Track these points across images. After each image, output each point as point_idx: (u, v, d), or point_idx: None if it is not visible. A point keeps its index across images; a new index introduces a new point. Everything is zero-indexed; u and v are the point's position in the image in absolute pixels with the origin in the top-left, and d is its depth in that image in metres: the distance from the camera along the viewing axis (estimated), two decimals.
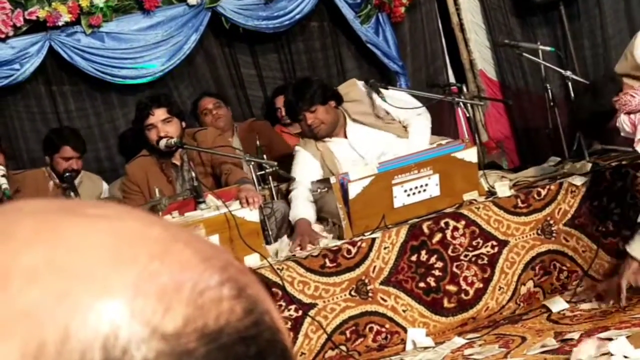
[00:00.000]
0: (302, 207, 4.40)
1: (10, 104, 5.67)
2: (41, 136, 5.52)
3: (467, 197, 4.33)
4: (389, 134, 4.72)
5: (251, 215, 4.03)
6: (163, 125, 4.46)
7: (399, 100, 4.78)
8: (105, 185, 5.30)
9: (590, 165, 4.50)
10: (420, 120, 4.70)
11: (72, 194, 4.70)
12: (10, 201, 3.79)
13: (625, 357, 3.15)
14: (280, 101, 5.90)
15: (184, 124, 4.63)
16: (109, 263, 0.41)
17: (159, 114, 4.46)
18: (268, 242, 4.16)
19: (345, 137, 4.72)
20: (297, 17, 6.05)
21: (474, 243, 4.19)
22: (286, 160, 4.83)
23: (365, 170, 4.20)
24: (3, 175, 4.28)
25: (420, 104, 4.80)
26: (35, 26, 5.48)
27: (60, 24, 5.47)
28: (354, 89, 4.86)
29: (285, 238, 4.30)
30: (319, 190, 4.39)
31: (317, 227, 4.36)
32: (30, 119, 5.71)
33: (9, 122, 5.66)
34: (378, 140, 4.69)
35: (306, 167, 4.61)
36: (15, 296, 0.39)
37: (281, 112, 5.90)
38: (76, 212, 0.44)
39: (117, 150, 5.77)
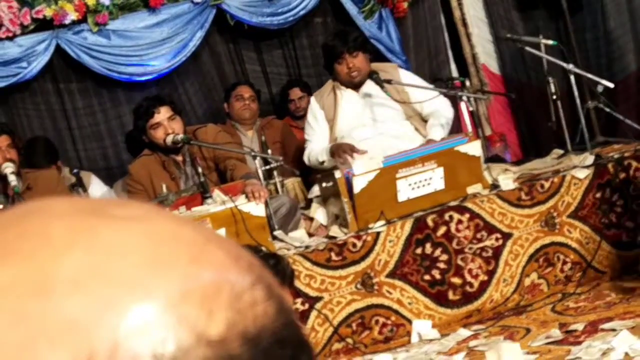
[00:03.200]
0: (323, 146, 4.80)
1: (18, 102, 5.72)
2: (49, 133, 5.58)
3: (471, 190, 4.36)
4: (399, 112, 4.86)
5: (257, 209, 4.08)
6: (169, 123, 4.50)
7: (440, 101, 4.92)
8: (98, 183, 5.31)
9: (593, 157, 4.53)
10: (444, 128, 4.80)
11: (80, 190, 4.74)
12: (19, 198, 3.80)
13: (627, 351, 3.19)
14: (294, 93, 5.97)
15: None
16: (149, 267, 0.40)
17: (164, 112, 4.51)
18: (274, 237, 4.20)
19: (357, 91, 4.91)
20: (301, 13, 6.09)
21: (478, 236, 4.23)
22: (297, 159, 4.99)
23: (370, 164, 4.24)
24: (13, 172, 4.31)
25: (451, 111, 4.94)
26: (42, 25, 5.53)
27: (67, 22, 5.52)
28: (393, 69, 5.04)
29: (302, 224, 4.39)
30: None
31: (320, 214, 4.44)
32: (38, 116, 5.76)
33: (17, 119, 5.71)
34: (386, 108, 4.84)
35: (317, 125, 4.93)
36: (61, 304, 0.38)
37: (295, 104, 5.97)
38: (105, 213, 0.42)
39: (124, 147, 5.81)
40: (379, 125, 4.82)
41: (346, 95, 4.91)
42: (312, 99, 5.06)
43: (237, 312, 0.40)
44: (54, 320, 0.37)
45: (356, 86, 4.90)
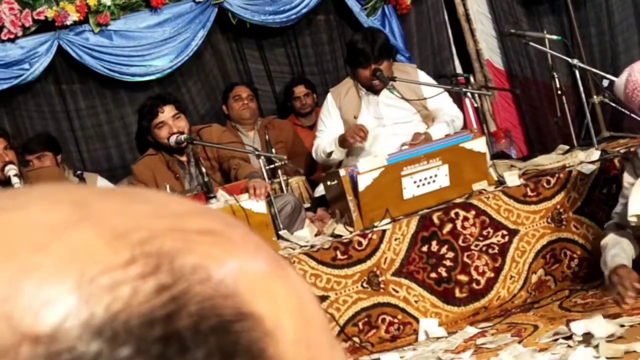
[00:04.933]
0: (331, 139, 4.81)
1: (20, 104, 5.71)
2: (51, 135, 5.57)
3: (476, 187, 4.34)
4: (416, 114, 4.89)
5: (259, 206, 4.06)
6: (174, 122, 4.49)
7: (444, 99, 4.94)
8: (102, 182, 5.29)
9: (599, 152, 4.50)
10: (450, 127, 4.78)
11: None
12: None
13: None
14: (299, 90, 5.95)
15: None
16: None
17: (168, 111, 4.49)
18: (279, 237, 4.18)
19: (378, 95, 4.91)
20: (304, 11, 6.07)
21: (484, 233, 4.21)
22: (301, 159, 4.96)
23: (374, 162, 4.22)
24: (16, 175, 4.30)
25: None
26: (44, 26, 5.52)
27: (68, 23, 5.52)
28: (413, 70, 5.05)
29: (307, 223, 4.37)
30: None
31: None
32: (40, 117, 5.75)
33: (20, 121, 5.71)
34: (405, 115, 4.85)
35: (330, 122, 4.93)
36: None
37: (300, 102, 5.96)
38: None
39: (127, 147, 5.79)
40: (396, 127, 4.81)
41: (368, 98, 4.90)
42: (329, 95, 5.02)
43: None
44: None
45: (379, 89, 4.88)
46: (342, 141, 4.70)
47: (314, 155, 4.98)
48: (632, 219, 3.52)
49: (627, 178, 3.76)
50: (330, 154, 4.76)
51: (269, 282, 0.40)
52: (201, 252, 0.38)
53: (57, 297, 0.36)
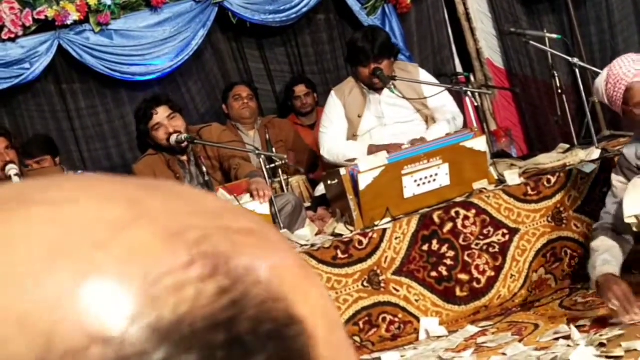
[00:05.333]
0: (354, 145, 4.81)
1: (21, 103, 5.72)
2: (52, 134, 5.57)
3: (477, 186, 4.34)
4: (418, 113, 4.90)
5: (261, 207, 4.06)
6: (170, 122, 4.49)
7: (445, 98, 4.93)
8: None
9: (599, 151, 4.50)
10: (450, 125, 4.78)
11: None
12: None
13: None
14: (300, 90, 5.95)
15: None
16: (44, 260, 0.35)
17: (162, 112, 4.49)
18: None
19: (381, 94, 4.90)
20: (304, 10, 6.07)
21: (484, 232, 4.21)
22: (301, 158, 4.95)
23: (375, 161, 4.22)
24: (17, 174, 4.31)
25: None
26: (45, 25, 5.52)
27: (69, 22, 5.52)
28: (414, 69, 5.04)
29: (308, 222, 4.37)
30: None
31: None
32: (41, 117, 5.75)
33: (20, 120, 5.71)
34: (406, 114, 4.85)
35: (336, 120, 4.91)
36: None
37: (301, 101, 5.95)
38: (28, 199, 0.38)
39: (128, 147, 5.80)
40: (397, 126, 4.81)
41: (371, 97, 4.90)
42: (333, 93, 5.00)
43: (149, 301, 0.35)
44: None
45: (380, 88, 4.88)
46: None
47: (326, 155, 4.91)
48: (630, 221, 3.52)
49: (615, 177, 3.78)
50: (353, 160, 4.68)
51: (304, 282, 0.40)
52: (249, 253, 0.38)
53: (123, 298, 0.35)
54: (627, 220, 3.52)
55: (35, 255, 0.35)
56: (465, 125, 5.04)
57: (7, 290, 0.35)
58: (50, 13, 5.45)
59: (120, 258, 0.36)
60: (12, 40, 5.45)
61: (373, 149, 4.68)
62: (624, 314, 3.40)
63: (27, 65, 5.50)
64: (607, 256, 3.57)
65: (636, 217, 3.51)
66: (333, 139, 4.88)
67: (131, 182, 0.41)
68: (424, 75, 5.03)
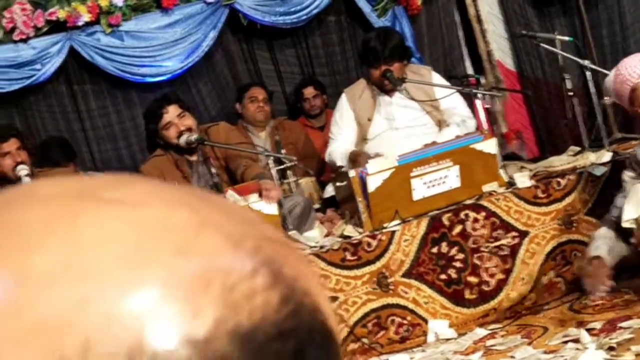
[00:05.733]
0: (344, 150, 4.81)
1: (32, 104, 5.73)
2: (63, 135, 5.58)
3: (486, 188, 4.33)
4: (429, 117, 4.89)
5: (269, 208, 4.06)
6: (180, 120, 4.48)
7: (455, 100, 4.92)
8: None
9: (610, 154, 4.48)
10: (461, 128, 4.77)
11: None
12: None
13: None
14: (309, 92, 5.95)
15: None
16: (129, 262, 0.36)
17: (172, 111, 4.48)
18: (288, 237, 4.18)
19: (392, 96, 4.90)
20: (314, 11, 6.07)
21: (494, 234, 4.20)
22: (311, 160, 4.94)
23: (384, 163, 4.21)
24: (27, 175, 4.32)
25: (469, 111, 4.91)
26: (56, 26, 5.53)
27: (80, 23, 5.53)
28: (426, 71, 5.04)
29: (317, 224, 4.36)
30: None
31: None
32: (52, 118, 5.77)
33: (32, 121, 5.73)
34: (417, 116, 4.86)
35: (344, 124, 4.91)
36: (31, 304, 0.35)
37: (309, 103, 5.95)
38: (93, 196, 0.39)
39: (138, 148, 5.80)
40: (408, 130, 4.80)
41: (382, 99, 4.89)
42: (344, 95, 4.99)
43: (229, 306, 0.36)
44: (23, 322, 0.35)
45: (391, 90, 4.87)
46: (353, 162, 4.63)
47: (326, 158, 4.98)
48: (627, 225, 3.54)
49: (626, 173, 3.82)
50: (341, 167, 4.73)
51: (325, 293, 0.41)
52: (291, 263, 0.39)
53: (207, 302, 0.36)
54: (624, 225, 3.55)
55: (119, 258, 0.36)
56: (476, 127, 5.02)
57: (93, 291, 0.35)
58: (61, 14, 5.46)
59: (200, 263, 0.37)
60: (24, 41, 5.47)
61: (351, 154, 4.70)
62: (592, 289, 3.58)
63: (38, 66, 5.51)
64: (599, 243, 3.65)
65: (636, 220, 3.53)
66: (336, 146, 4.87)
67: (180, 188, 0.42)
68: (437, 78, 5.02)
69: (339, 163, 4.77)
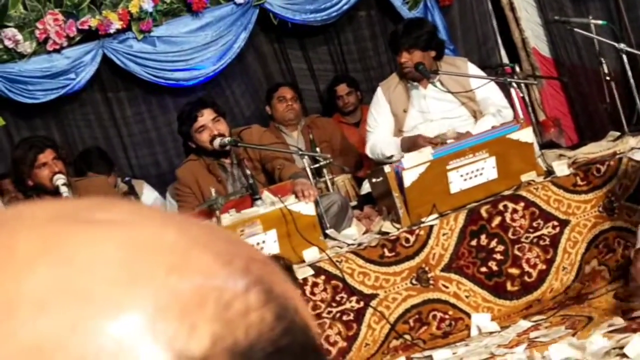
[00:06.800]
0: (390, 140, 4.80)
1: (68, 113, 5.78)
2: (99, 143, 5.63)
3: (524, 178, 4.27)
4: (464, 108, 4.85)
5: (307, 208, 4.04)
6: (214, 125, 4.48)
7: (491, 90, 4.87)
8: (150, 191, 5.33)
9: None
10: (497, 118, 4.72)
11: (132, 197, 4.76)
12: None
13: None
14: (342, 89, 5.93)
15: None
16: (122, 282, 0.36)
17: (207, 115, 4.48)
18: (326, 236, 4.16)
19: (426, 88, 4.87)
20: (345, 7, 6.05)
21: (534, 224, 4.14)
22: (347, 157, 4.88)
23: (419, 157, 4.18)
24: (64, 184, 4.35)
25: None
26: (88, 35, 5.58)
27: (111, 31, 5.57)
28: (462, 63, 5.01)
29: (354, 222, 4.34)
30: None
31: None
32: (87, 126, 5.82)
33: (68, 130, 5.78)
34: (451, 108, 4.82)
35: (380, 117, 4.90)
36: (25, 328, 0.35)
37: (343, 100, 5.93)
38: (83, 218, 0.39)
39: (174, 153, 5.82)
40: (444, 121, 4.76)
41: (415, 92, 4.86)
42: (379, 89, 4.98)
43: (225, 324, 0.36)
44: (17, 346, 0.34)
45: (424, 81, 4.83)
46: (409, 149, 4.59)
47: (369, 153, 4.93)
48: None
49: None
50: (391, 157, 4.71)
51: (309, 312, 0.41)
52: (279, 282, 0.39)
53: (202, 320, 0.36)
54: None
55: (112, 279, 0.36)
56: (513, 117, 4.96)
57: (87, 313, 0.35)
58: (93, 23, 5.50)
59: (194, 282, 0.37)
60: (57, 51, 5.52)
61: (405, 141, 4.65)
62: None
63: (72, 76, 5.56)
64: None
65: None
66: (377, 138, 4.86)
67: (160, 210, 0.43)
68: (473, 69, 4.97)
69: (388, 153, 4.72)
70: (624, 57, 4.78)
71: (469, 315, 4.02)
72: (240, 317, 0.37)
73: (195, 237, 0.39)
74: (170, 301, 0.36)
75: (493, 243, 4.09)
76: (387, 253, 3.96)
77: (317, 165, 4.66)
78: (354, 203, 4.76)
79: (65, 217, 0.39)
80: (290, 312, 0.38)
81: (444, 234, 4.04)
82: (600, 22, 5.16)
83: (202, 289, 0.37)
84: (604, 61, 5.01)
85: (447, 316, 4.00)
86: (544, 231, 4.15)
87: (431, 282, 4.00)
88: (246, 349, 0.36)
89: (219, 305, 0.36)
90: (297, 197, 4.06)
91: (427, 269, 4.00)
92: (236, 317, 0.36)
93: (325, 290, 3.84)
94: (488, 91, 4.84)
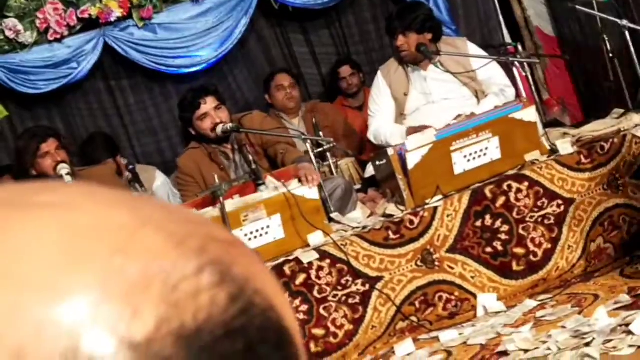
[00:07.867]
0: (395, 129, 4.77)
1: (71, 102, 5.78)
2: (103, 131, 5.62)
3: (528, 157, 4.26)
4: (466, 89, 4.83)
5: (311, 192, 4.04)
6: (216, 112, 4.47)
7: (493, 70, 4.85)
8: (161, 176, 5.31)
9: None
10: (499, 97, 4.70)
11: (137, 185, 4.75)
12: None
13: None
14: (345, 71, 5.91)
15: None
16: (62, 265, 0.35)
17: (210, 102, 4.47)
18: (331, 220, 4.16)
19: (426, 69, 4.85)
20: None
21: (539, 204, 4.13)
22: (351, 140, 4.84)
23: (422, 138, 4.16)
24: (68, 174, 4.35)
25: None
26: (89, 24, 5.57)
27: (112, 19, 5.55)
28: (462, 43, 4.98)
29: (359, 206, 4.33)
30: None
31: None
32: (90, 115, 5.81)
33: (71, 120, 5.78)
34: (453, 89, 4.80)
35: (382, 101, 4.89)
36: None
37: (347, 82, 5.91)
38: (24, 202, 0.38)
39: (178, 140, 5.82)
40: (445, 102, 4.75)
41: (416, 74, 4.84)
42: (379, 73, 4.97)
43: (171, 306, 0.35)
44: None
45: (424, 63, 4.81)
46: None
47: (372, 138, 4.90)
48: None
49: None
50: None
51: (280, 291, 0.40)
52: (241, 263, 0.38)
53: (147, 303, 0.35)
54: None
55: (52, 262, 0.35)
56: (517, 96, 4.94)
57: (24, 299, 0.34)
58: (93, 11, 5.49)
59: (139, 263, 0.36)
60: (58, 40, 5.51)
61: (411, 131, 4.63)
62: None
63: (74, 65, 5.55)
64: None
65: None
66: (379, 123, 4.84)
67: (120, 190, 0.41)
68: (473, 48, 4.95)
69: (394, 143, 4.66)
70: (627, 33, 4.75)
71: (475, 296, 4.01)
72: (188, 299, 0.35)
73: (148, 218, 0.38)
74: (114, 284, 0.35)
75: (498, 223, 4.08)
76: (392, 235, 3.96)
77: (320, 150, 4.65)
78: (358, 186, 4.75)
79: (4, 201, 0.38)
80: (248, 293, 0.37)
81: (448, 215, 4.03)
82: None
83: (149, 270, 0.36)
84: (607, 38, 4.98)
85: (453, 297, 4.00)
86: (549, 210, 4.14)
87: (436, 263, 4.00)
88: (193, 331, 0.35)
89: (166, 287, 0.35)
90: (300, 181, 4.05)
91: (432, 250, 4.00)
92: (184, 299, 0.35)
93: (330, 274, 3.84)
94: (490, 71, 4.82)
